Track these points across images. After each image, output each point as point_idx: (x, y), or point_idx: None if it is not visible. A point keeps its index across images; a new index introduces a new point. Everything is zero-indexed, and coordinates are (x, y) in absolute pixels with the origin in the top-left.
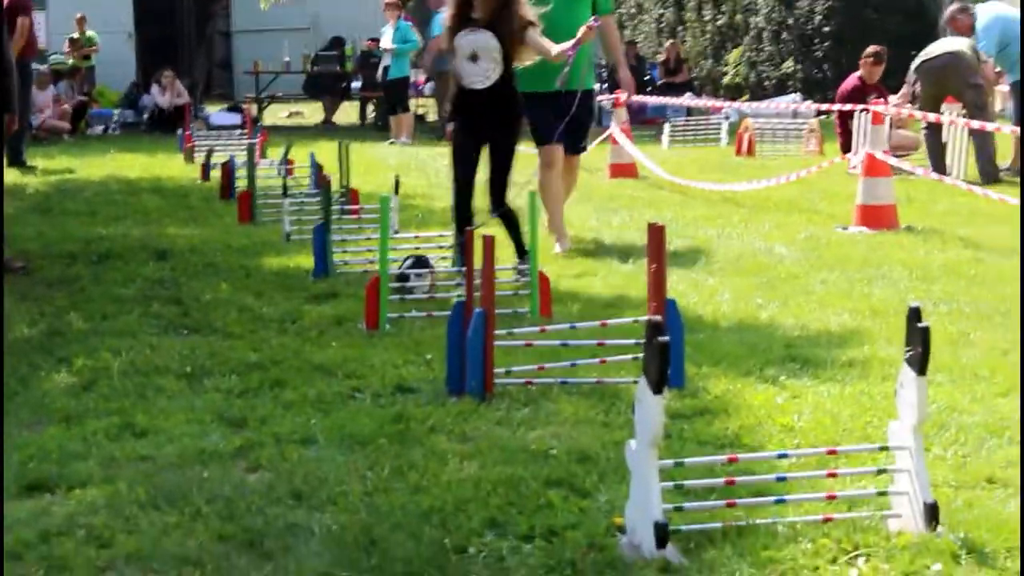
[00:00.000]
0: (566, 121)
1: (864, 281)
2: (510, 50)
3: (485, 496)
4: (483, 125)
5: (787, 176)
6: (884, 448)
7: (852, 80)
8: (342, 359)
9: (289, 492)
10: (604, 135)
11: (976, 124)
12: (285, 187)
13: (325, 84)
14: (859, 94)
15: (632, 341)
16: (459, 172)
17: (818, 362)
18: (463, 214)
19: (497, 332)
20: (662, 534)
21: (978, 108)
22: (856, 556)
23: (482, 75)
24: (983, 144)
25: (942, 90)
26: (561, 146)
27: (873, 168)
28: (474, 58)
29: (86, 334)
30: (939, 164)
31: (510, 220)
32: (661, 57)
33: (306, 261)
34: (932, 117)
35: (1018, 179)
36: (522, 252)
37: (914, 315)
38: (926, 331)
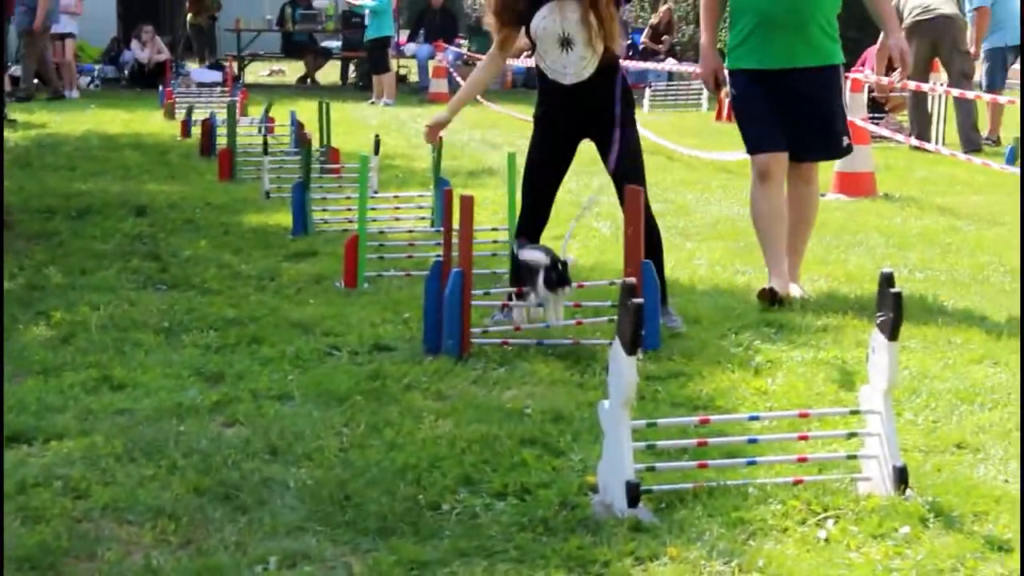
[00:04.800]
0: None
1: (840, 248)
2: (605, 23)
3: (460, 454)
4: (579, 130)
5: None
6: (855, 412)
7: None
8: (320, 316)
9: (265, 447)
10: None
11: (957, 93)
12: (265, 145)
13: (305, 43)
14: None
15: (608, 303)
16: (530, 197)
17: (793, 327)
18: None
19: (475, 292)
20: (634, 493)
21: (965, 76)
22: (825, 518)
23: (576, 66)
24: (967, 112)
25: (933, 52)
26: (782, 153)
27: (852, 135)
28: (567, 44)
29: (65, 288)
30: (923, 132)
31: (654, 244)
32: (654, 20)
33: (285, 219)
34: (925, 87)
35: (997, 147)
36: (663, 298)
37: (886, 280)
38: (898, 296)
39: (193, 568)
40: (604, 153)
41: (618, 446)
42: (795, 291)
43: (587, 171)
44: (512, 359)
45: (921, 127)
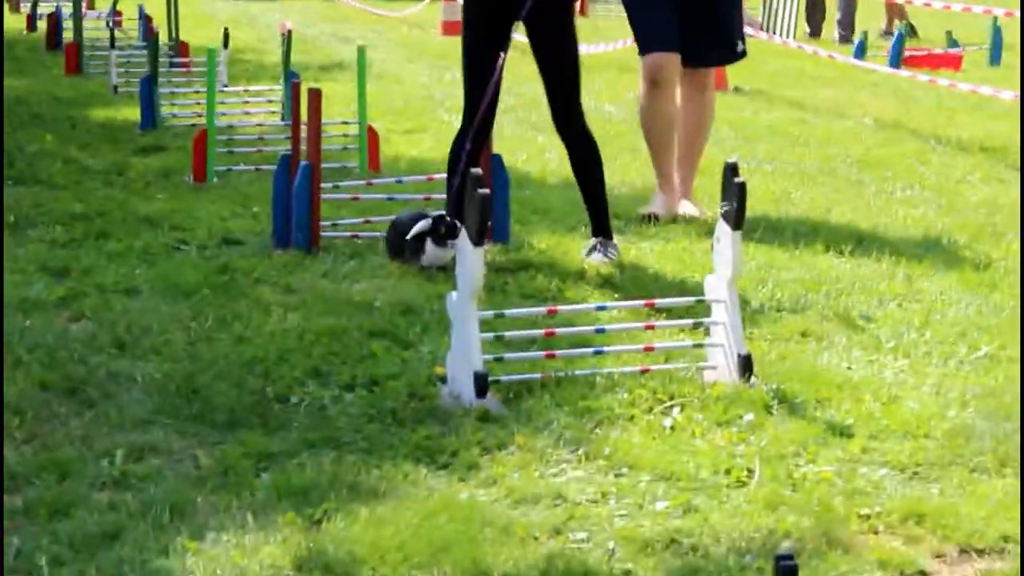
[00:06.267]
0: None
1: None
2: None
3: (308, 346)
4: (514, 13)
5: (623, 42)
6: (700, 301)
7: None
8: (168, 211)
9: (112, 341)
10: None
11: None
12: (113, 39)
13: None
14: None
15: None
16: (471, 84)
17: (641, 218)
18: (466, 145)
19: (324, 185)
20: (482, 384)
21: None
22: (671, 406)
23: None
24: (848, 7)
25: None
26: (675, 55)
27: None
28: None
29: None
30: (815, 28)
31: (590, 163)
32: None
33: (133, 114)
34: None
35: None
36: (603, 231)
37: (730, 171)
38: (742, 186)
39: (38, 462)
40: (544, 50)
41: (466, 337)
42: (689, 209)
43: (440, 64)
44: (362, 252)
45: (814, 22)
